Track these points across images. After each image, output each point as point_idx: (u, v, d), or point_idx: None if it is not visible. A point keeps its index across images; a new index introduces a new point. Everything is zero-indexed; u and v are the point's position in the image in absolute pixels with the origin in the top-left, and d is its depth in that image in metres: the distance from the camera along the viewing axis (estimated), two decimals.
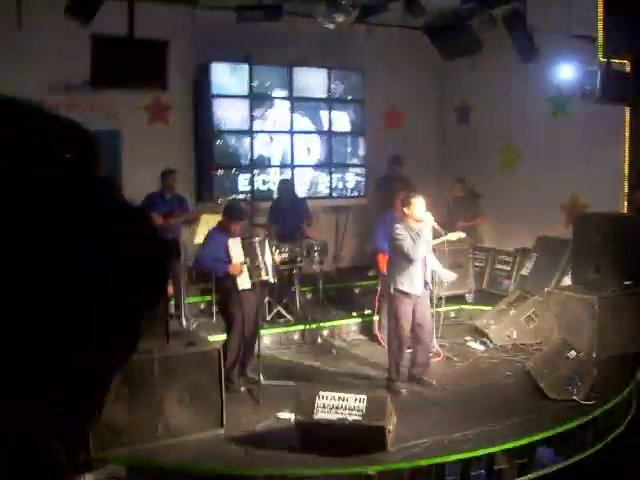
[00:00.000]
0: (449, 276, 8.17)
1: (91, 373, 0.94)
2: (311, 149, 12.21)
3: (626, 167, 9.90)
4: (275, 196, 10.87)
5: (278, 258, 8.34)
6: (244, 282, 7.45)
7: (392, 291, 7.47)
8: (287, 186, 10.73)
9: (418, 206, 7.35)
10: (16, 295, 0.86)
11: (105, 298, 0.92)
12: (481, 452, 5.93)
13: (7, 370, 0.87)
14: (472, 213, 11.23)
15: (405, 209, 7.45)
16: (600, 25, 9.36)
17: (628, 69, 9.60)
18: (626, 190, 9.94)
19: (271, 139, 11.86)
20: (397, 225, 7.41)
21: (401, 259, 7.34)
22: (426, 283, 7.49)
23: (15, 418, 0.88)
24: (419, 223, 7.34)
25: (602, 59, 9.33)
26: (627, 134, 9.81)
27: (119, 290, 0.94)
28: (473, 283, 10.63)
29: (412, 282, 7.35)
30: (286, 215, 10.15)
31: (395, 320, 7.56)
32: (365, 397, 5.91)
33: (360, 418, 5.76)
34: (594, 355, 7.87)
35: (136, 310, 0.96)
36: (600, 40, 9.41)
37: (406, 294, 7.37)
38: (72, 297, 0.89)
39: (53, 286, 0.88)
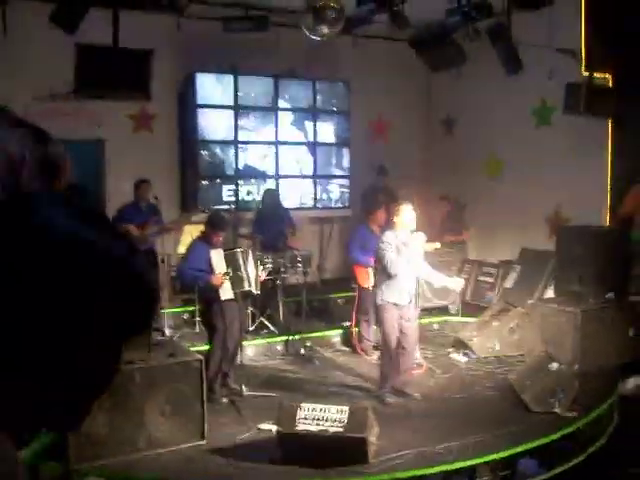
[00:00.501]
0: (457, 284, 8.17)
1: (91, 373, 0.94)
2: (295, 160, 12.22)
3: (609, 180, 9.96)
4: (259, 206, 10.87)
5: (262, 275, 8.33)
6: (226, 293, 7.43)
7: (379, 301, 7.42)
8: (272, 195, 10.72)
9: (407, 213, 7.31)
10: (17, 295, 0.86)
11: (105, 299, 0.92)
12: (463, 464, 5.91)
13: (7, 370, 0.86)
14: (458, 228, 11.23)
15: (394, 218, 7.41)
16: (583, 39, 9.44)
17: (610, 83, 9.68)
18: (609, 203, 9.99)
19: (259, 150, 11.85)
20: (386, 234, 7.37)
21: (384, 270, 7.34)
22: (413, 297, 7.46)
23: (14, 417, 0.88)
24: (407, 233, 7.30)
25: (585, 73, 9.41)
26: (609, 148, 9.88)
27: (119, 292, 0.94)
28: (457, 295, 10.66)
29: (400, 293, 7.32)
30: (270, 225, 10.13)
31: (384, 331, 7.53)
32: (347, 409, 5.88)
33: (341, 430, 5.73)
34: (576, 367, 7.88)
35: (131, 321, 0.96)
36: (583, 54, 9.49)
37: (393, 304, 7.34)
38: (72, 298, 0.89)
39: (53, 287, 0.88)
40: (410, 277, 7.36)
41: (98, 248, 0.95)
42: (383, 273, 7.40)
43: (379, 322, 7.72)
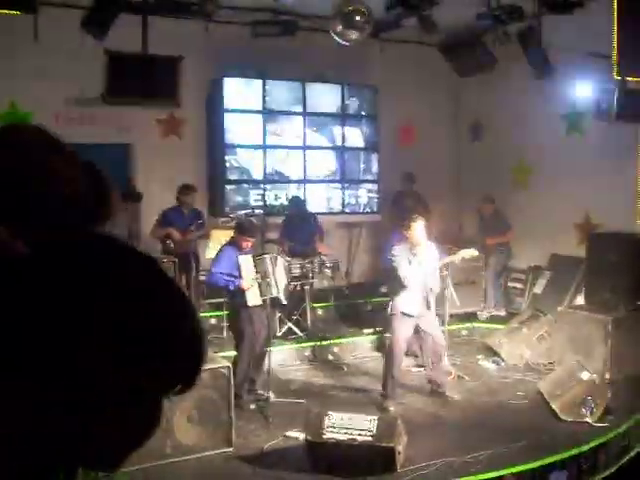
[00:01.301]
0: (469, 252, 8.14)
1: (91, 373, 0.93)
2: (324, 165, 12.20)
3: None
4: (287, 212, 10.85)
5: (290, 286, 8.34)
6: (254, 298, 7.43)
7: (390, 310, 7.56)
8: (297, 202, 10.71)
9: (417, 230, 7.39)
10: (16, 296, 0.85)
11: (104, 299, 0.90)
12: (491, 475, 5.85)
13: (7, 370, 0.85)
14: (502, 229, 11.03)
15: (405, 232, 7.47)
16: (615, 43, 9.31)
17: None
18: None
19: (286, 154, 11.85)
20: (395, 247, 7.50)
21: (396, 280, 7.42)
22: (428, 303, 7.50)
23: (15, 418, 0.87)
24: (418, 247, 7.37)
25: (617, 77, 9.28)
26: None
27: (118, 290, 0.93)
28: (492, 300, 10.61)
29: (410, 303, 7.43)
30: (297, 231, 10.13)
31: (392, 338, 7.65)
32: (375, 418, 5.87)
33: (370, 439, 5.71)
34: (607, 376, 7.79)
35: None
36: (615, 58, 9.36)
37: (403, 314, 7.43)
38: (72, 298, 0.88)
39: (53, 286, 0.86)
40: (422, 288, 7.43)
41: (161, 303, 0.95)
42: (395, 284, 7.48)
43: (390, 331, 7.78)
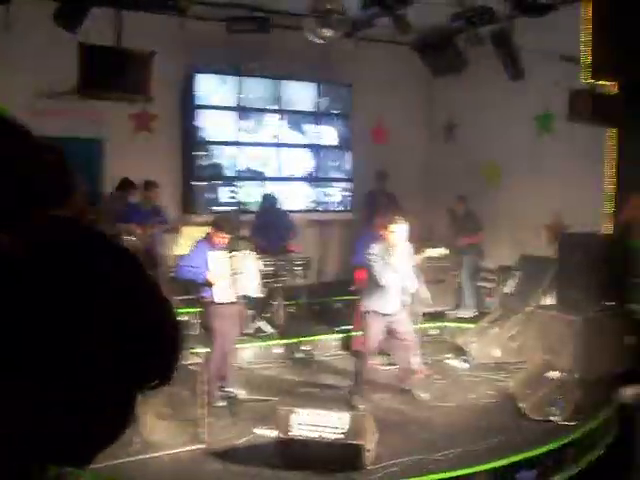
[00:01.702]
0: (438, 251, 8.18)
1: (91, 373, 0.92)
2: (298, 163, 12.19)
3: (611, 187, 9.93)
4: (260, 208, 10.83)
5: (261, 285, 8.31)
6: (226, 295, 7.40)
7: (364, 308, 7.58)
8: (270, 200, 10.69)
9: (395, 232, 7.38)
10: (16, 295, 0.84)
11: (104, 297, 0.90)
12: (460, 472, 5.88)
13: (7, 370, 0.85)
14: (474, 230, 11.06)
15: (383, 232, 7.49)
16: (587, 46, 9.41)
17: (615, 90, 9.64)
18: (609, 211, 9.96)
19: (260, 152, 11.82)
20: (372, 246, 7.48)
21: (372, 279, 7.43)
22: (401, 302, 7.54)
23: (15, 418, 0.86)
24: (395, 247, 7.39)
25: (589, 80, 9.38)
26: (611, 156, 9.84)
27: (117, 288, 0.92)
28: (469, 301, 10.67)
29: (384, 302, 7.44)
30: (270, 229, 10.12)
31: (365, 336, 7.67)
32: (345, 415, 5.88)
33: (339, 436, 5.72)
34: (576, 375, 7.86)
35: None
36: (587, 61, 9.46)
37: (377, 312, 7.45)
38: (72, 297, 0.87)
39: (53, 285, 0.86)
40: (397, 287, 7.45)
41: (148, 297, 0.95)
42: (371, 282, 7.49)
43: (363, 328, 7.78)
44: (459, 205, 11.22)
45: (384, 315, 7.46)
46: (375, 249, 7.39)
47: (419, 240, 9.97)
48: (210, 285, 7.32)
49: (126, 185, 9.70)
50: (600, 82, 9.18)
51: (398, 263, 7.37)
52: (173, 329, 0.98)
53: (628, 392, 7.79)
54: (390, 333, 7.65)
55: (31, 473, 0.97)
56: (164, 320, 0.96)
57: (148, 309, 0.93)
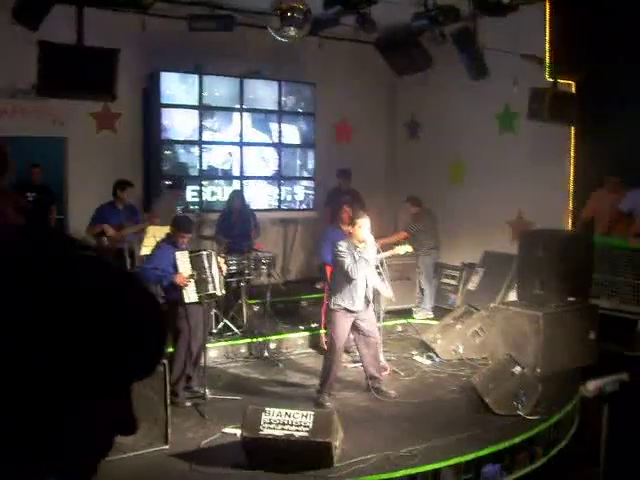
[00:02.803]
0: (387, 292, 8.14)
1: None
2: (260, 161, 12.17)
3: (571, 185, 10.08)
4: (225, 207, 10.78)
5: (224, 268, 8.24)
6: (191, 295, 7.37)
7: (332, 305, 7.53)
8: (239, 197, 10.63)
9: (363, 227, 7.39)
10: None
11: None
12: (427, 467, 5.94)
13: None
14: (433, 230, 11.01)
15: (350, 228, 7.50)
16: (547, 46, 9.54)
17: (573, 89, 9.80)
18: (571, 208, 10.12)
19: (223, 150, 11.77)
20: (340, 242, 7.47)
21: (342, 277, 7.41)
22: (367, 300, 7.54)
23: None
24: (362, 244, 7.40)
25: (549, 79, 9.51)
26: (572, 153, 9.99)
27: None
28: (426, 303, 10.71)
29: (352, 299, 7.42)
30: (235, 227, 10.09)
31: (332, 334, 7.64)
32: (312, 413, 5.88)
33: (306, 434, 5.73)
34: (539, 370, 7.96)
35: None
36: (547, 60, 9.59)
37: (345, 310, 7.43)
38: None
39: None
40: (364, 284, 7.46)
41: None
42: (341, 278, 7.46)
43: (329, 326, 7.78)
44: (408, 206, 11.05)
45: (351, 312, 7.46)
46: (343, 245, 7.39)
47: (386, 238, 10.08)
48: (178, 287, 7.28)
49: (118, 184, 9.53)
50: (559, 81, 9.32)
51: (365, 260, 7.39)
52: (155, 322, 0.98)
53: (590, 386, 7.92)
54: (355, 330, 7.66)
55: None
56: (144, 313, 0.96)
57: (124, 303, 0.93)
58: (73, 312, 0.86)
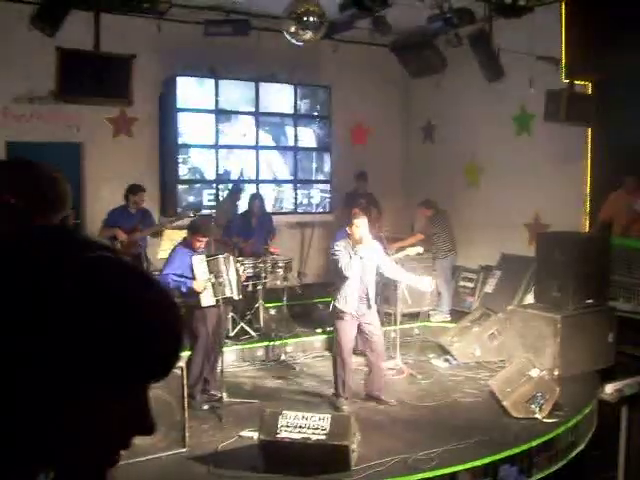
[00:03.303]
0: (427, 284, 8.12)
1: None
2: (276, 165, 12.20)
3: (588, 187, 10.03)
4: (244, 210, 10.76)
5: (243, 275, 8.29)
6: (208, 299, 7.40)
7: (332, 309, 7.55)
8: (259, 201, 10.62)
9: (360, 227, 7.33)
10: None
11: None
12: (444, 471, 5.92)
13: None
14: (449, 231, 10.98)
15: (347, 228, 7.48)
16: (563, 47, 9.50)
17: (590, 90, 9.75)
18: (588, 209, 10.06)
19: (239, 154, 11.81)
20: (337, 242, 7.47)
21: (338, 276, 7.39)
22: (368, 300, 7.44)
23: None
24: (360, 244, 7.33)
25: (565, 80, 9.47)
26: (589, 155, 9.94)
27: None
28: (443, 307, 10.68)
29: (346, 300, 7.36)
30: (254, 230, 10.12)
31: (337, 337, 7.61)
32: (329, 416, 5.89)
33: (324, 437, 5.73)
34: (556, 373, 7.93)
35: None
36: (563, 61, 9.55)
37: (343, 312, 7.39)
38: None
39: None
40: (360, 284, 7.38)
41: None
42: (338, 279, 7.44)
43: (334, 330, 7.74)
44: (422, 210, 11.01)
45: (352, 315, 7.40)
46: (340, 244, 7.36)
47: (402, 240, 10.08)
48: (196, 291, 7.31)
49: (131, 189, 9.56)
50: (575, 82, 9.28)
51: (363, 261, 7.35)
52: (172, 321, 0.98)
53: (608, 389, 7.87)
54: (360, 334, 7.61)
55: None
56: (161, 313, 0.96)
57: (142, 306, 0.94)
58: (90, 310, 0.87)
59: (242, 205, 10.86)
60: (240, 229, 10.31)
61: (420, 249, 9.00)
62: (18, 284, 0.86)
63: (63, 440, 0.90)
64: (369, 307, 7.49)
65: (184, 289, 7.38)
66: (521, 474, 6.29)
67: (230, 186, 11.39)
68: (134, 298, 0.92)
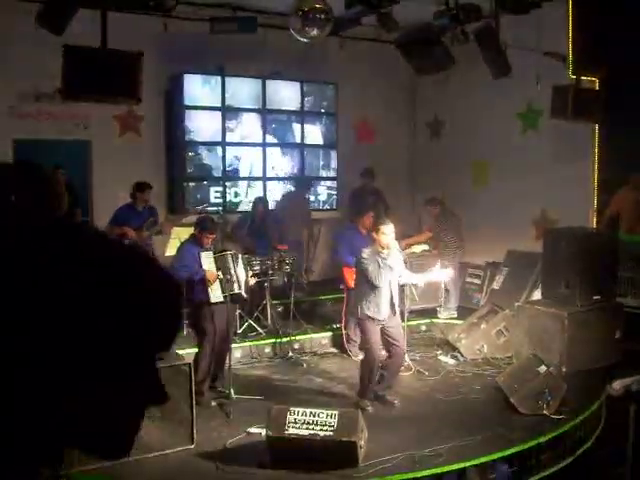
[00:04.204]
0: (445, 274, 8.11)
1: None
2: (283, 162, 12.21)
3: (595, 183, 10.01)
4: (250, 210, 10.78)
5: (252, 281, 8.31)
6: (216, 295, 7.41)
7: (359, 314, 7.42)
8: (262, 203, 10.64)
9: (387, 234, 7.27)
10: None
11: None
12: (452, 467, 5.93)
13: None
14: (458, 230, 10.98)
15: (374, 234, 7.41)
16: (570, 43, 9.48)
17: (597, 87, 9.73)
18: (595, 206, 10.05)
19: (246, 151, 11.82)
20: (364, 249, 7.36)
21: (366, 284, 7.30)
22: (393, 306, 7.41)
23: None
24: (387, 250, 7.30)
25: (572, 76, 9.45)
26: (596, 151, 9.92)
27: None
28: (450, 303, 10.68)
29: (378, 307, 7.28)
30: (260, 232, 10.14)
31: (365, 343, 7.55)
32: (336, 413, 5.89)
33: (331, 434, 5.74)
34: (564, 369, 7.92)
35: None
36: (570, 58, 9.54)
37: (372, 319, 7.33)
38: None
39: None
40: (389, 291, 7.34)
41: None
42: (365, 286, 7.36)
43: (362, 335, 7.71)
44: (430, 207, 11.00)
45: (378, 320, 7.35)
46: (367, 252, 7.27)
47: (408, 237, 10.09)
48: (205, 284, 7.32)
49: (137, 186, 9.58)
50: (582, 78, 9.26)
51: (391, 265, 7.33)
52: (171, 296, 1.00)
53: (616, 385, 7.87)
54: (382, 336, 7.55)
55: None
56: (161, 288, 0.98)
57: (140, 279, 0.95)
58: (94, 288, 0.89)
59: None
60: (244, 228, 10.34)
61: (426, 246, 9.04)
62: (19, 283, 0.87)
63: (84, 420, 0.92)
64: (394, 313, 7.44)
65: (197, 277, 7.36)
66: (518, 472, 6.28)
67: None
68: (135, 276, 0.94)
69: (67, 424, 0.92)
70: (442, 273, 8.09)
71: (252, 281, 8.35)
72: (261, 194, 11.42)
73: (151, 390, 0.99)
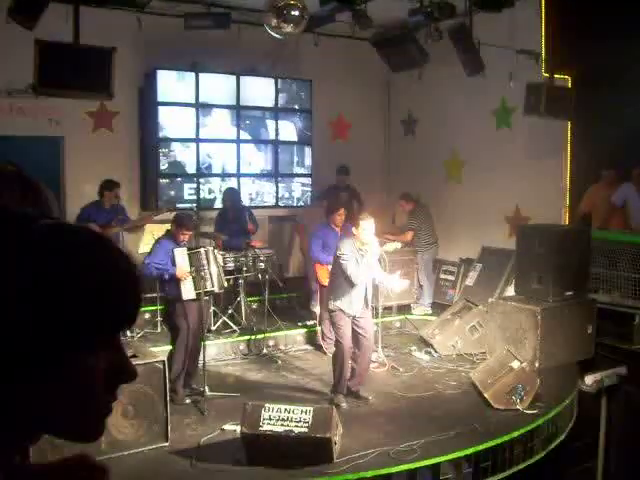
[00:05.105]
0: (400, 284, 8.06)
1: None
2: (257, 158, 12.18)
3: (568, 180, 10.09)
4: (221, 205, 10.79)
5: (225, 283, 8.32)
6: (189, 292, 7.39)
7: (331, 306, 7.44)
8: (232, 194, 10.63)
9: (367, 230, 7.28)
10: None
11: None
12: (427, 462, 5.96)
13: None
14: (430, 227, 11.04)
15: (354, 230, 7.41)
16: (543, 41, 9.55)
17: (569, 84, 9.81)
18: (568, 203, 10.13)
19: (220, 148, 11.77)
20: (344, 245, 7.35)
21: (342, 279, 7.31)
22: (367, 301, 7.44)
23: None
24: (365, 245, 7.32)
25: (545, 74, 9.52)
26: (568, 148, 10.00)
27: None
28: (425, 299, 10.73)
29: (350, 302, 7.31)
30: (231, 224, 10.10)
31: (337, 336, 7.56)
32: (311, 409, 5.89)
33: (306, 430, 5.74)
34: (537, 365, 7.98)
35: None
36: (543, 55, 9.61)
37: (345, 312, 7.35)
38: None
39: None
40: (363, 287, 7.37)
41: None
42: (340, 280, 7.37)
43: (333, 328, 7.74)
44: (403, 203, 11.06)
45: (350, 315, 7.38)
46: (346, 248, 7.27)
47: (382, 234, 10.10)
48: (178, 281, 7.30)
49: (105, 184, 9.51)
50: (555, 75, 9.34)
51: (369, 262, 7.33)
52: (130, 272, 1.04)
53: (588, 380, 7.96)
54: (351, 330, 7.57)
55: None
56: (119, 265, 1.02)
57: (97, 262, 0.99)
58: (63, 277, 0.93)
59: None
60: (219, 224, 10.31)
61: (398, 245, 9.09)
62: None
63: (53, 401, 0.94)
64: (367, 306, 7.49)
65: (166, 276, 7.36)
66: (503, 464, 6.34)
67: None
68: (101, 259, 0.98)
69: (34, 406, 0.94)
70: (398, 282, 7.94)
71: (225, 284, 8.33)
72: (234, 188, 11.33)
73: (117, 367, 1.02)
